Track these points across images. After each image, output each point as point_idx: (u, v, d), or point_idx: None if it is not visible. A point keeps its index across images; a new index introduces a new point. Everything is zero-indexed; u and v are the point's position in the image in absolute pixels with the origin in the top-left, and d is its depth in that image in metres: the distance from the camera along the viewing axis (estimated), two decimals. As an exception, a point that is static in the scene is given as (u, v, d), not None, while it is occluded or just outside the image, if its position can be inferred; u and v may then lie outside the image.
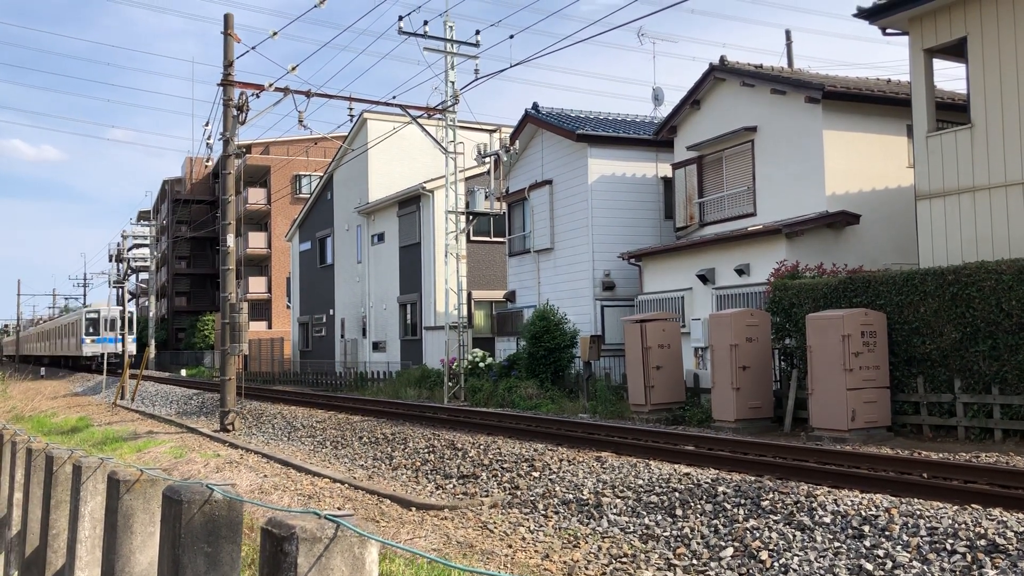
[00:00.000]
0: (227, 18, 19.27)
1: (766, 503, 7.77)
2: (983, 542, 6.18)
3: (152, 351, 52.12)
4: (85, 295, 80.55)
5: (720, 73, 19.94)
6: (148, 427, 20.10)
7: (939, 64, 15.33)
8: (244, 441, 16.40)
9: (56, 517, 4.43)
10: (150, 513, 3.11)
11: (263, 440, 16.67)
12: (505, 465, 11.04)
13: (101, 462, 3.71)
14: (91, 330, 48.81)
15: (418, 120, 23.00)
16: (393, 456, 13.02)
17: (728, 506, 7.93)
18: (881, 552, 6.39)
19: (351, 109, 21.86)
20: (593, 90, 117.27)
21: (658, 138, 22.35)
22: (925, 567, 6.03)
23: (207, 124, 21.09)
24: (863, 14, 14.83)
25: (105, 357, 39.23)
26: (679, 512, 8.09)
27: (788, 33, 25.99)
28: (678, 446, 11.53)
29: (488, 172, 24.03)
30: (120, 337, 43.31)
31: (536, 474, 10.38)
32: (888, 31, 15.24)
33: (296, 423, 17.82)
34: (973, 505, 7.14)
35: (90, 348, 48.03)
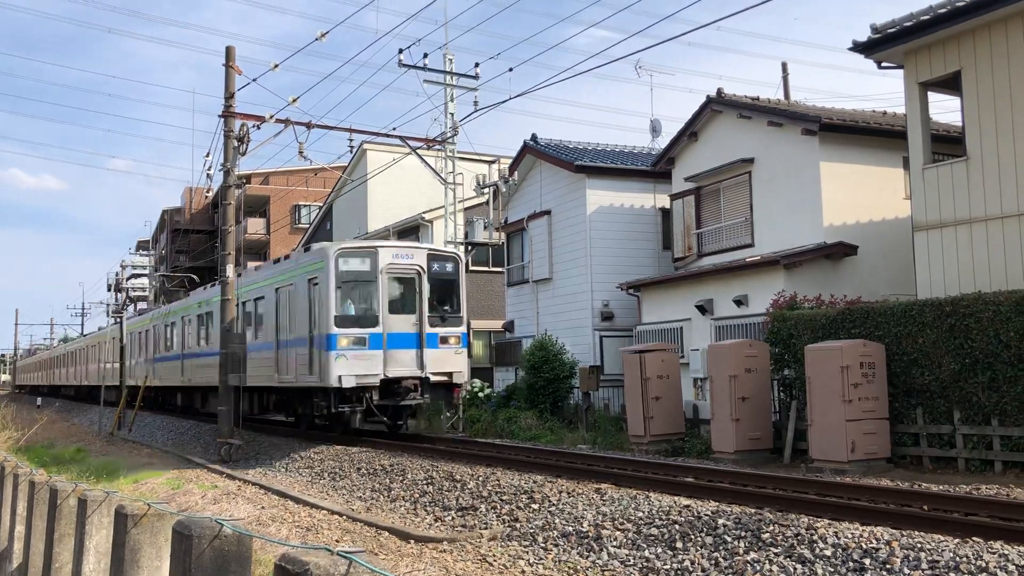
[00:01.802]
0: (228, 51, 19.46)
1: (766, 535, 7.75)
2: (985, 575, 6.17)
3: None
4: (83, 325, 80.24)
5: (717, 105, 20.13)
6: (145, 458, 20.03)
7: (935, 96, 15.50)
8: (241, 472, 16.33)
9: (60, 551, 4.43)
10: (157, 547, 3.13)
11: (261, 471, 16.60)
12: (504, 497, 11.01)
13: (107, 496, 3.73)
14: (362, 304, 17.17)
15: (418, 151, 23.15)
16: (391, 487, 12.97)
17: (728, 539, 7.91)
18: (883, 585, 6.37)
19: (351, 140, 22.04)
20: (591, 121, 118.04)
21: (656, 169, 22.50)
22: (927, 601, 6.01)
23: (208, 155, 21.23)
24: (858, 48, 15.01)
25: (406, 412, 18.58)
26: (679, 545, 8.07)
27: (784, 65, 26.27)
28: (678, 478, 11.51)
29: (487, 202, 24.14)
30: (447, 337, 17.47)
31: (535, 506, 10.34)
32: (883, 65, 15.42)
33: (294, 453, 17.75)
34: (974, 538, 7.13)
35: (351, 367, 16.47)
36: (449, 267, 17.84)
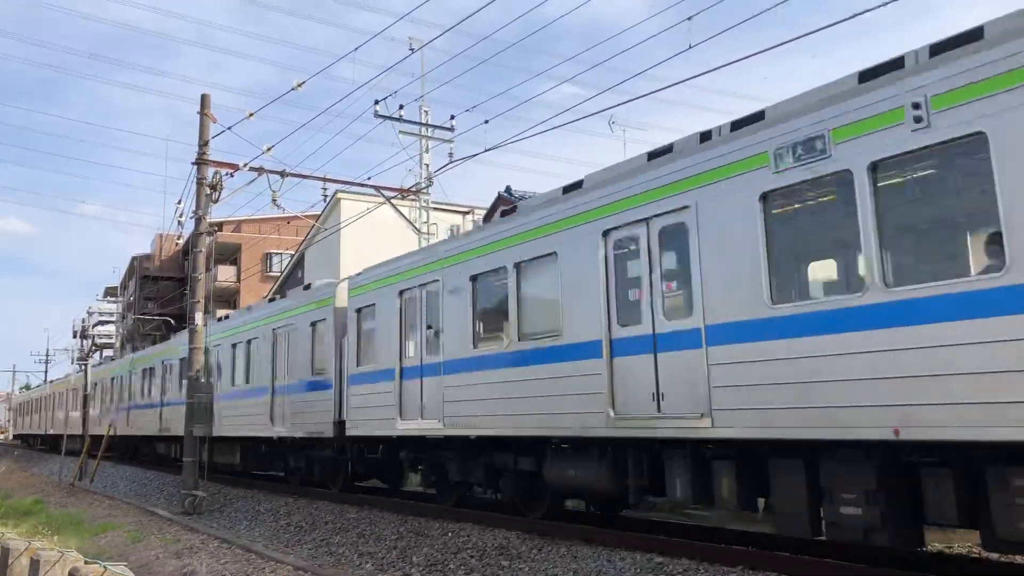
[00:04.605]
0: (204, 99, 19.46)
1: (741, 595, 7.63)
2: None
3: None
4: (47, 372, 78.84)
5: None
6: (106, 509, 19.51)
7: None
8: (205, 525, 15.93)
9: (8, 612, 4.23)
10: (111, 612, 2.98)
11: (226, 524, 16.21)
12: (475, 553, 10.80)
13: (61, 556, 3.57)
14: None
15: (392, 201, 23.17)
16: (359, 542, 12.70)
17: (702, 598, 7.78)
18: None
19: (325, 189, 22.02)
20: (565, 175, 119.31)
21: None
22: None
23: (179, 201, 21.19)
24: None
25: None
26: (653, 604, 7.92)
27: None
28: (651, 534, 11.35)
29: (460, 253, 24.10)
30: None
31: (507, 562, 10.15)
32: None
33: (260, 507, 17.37)
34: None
35: None
36: None
